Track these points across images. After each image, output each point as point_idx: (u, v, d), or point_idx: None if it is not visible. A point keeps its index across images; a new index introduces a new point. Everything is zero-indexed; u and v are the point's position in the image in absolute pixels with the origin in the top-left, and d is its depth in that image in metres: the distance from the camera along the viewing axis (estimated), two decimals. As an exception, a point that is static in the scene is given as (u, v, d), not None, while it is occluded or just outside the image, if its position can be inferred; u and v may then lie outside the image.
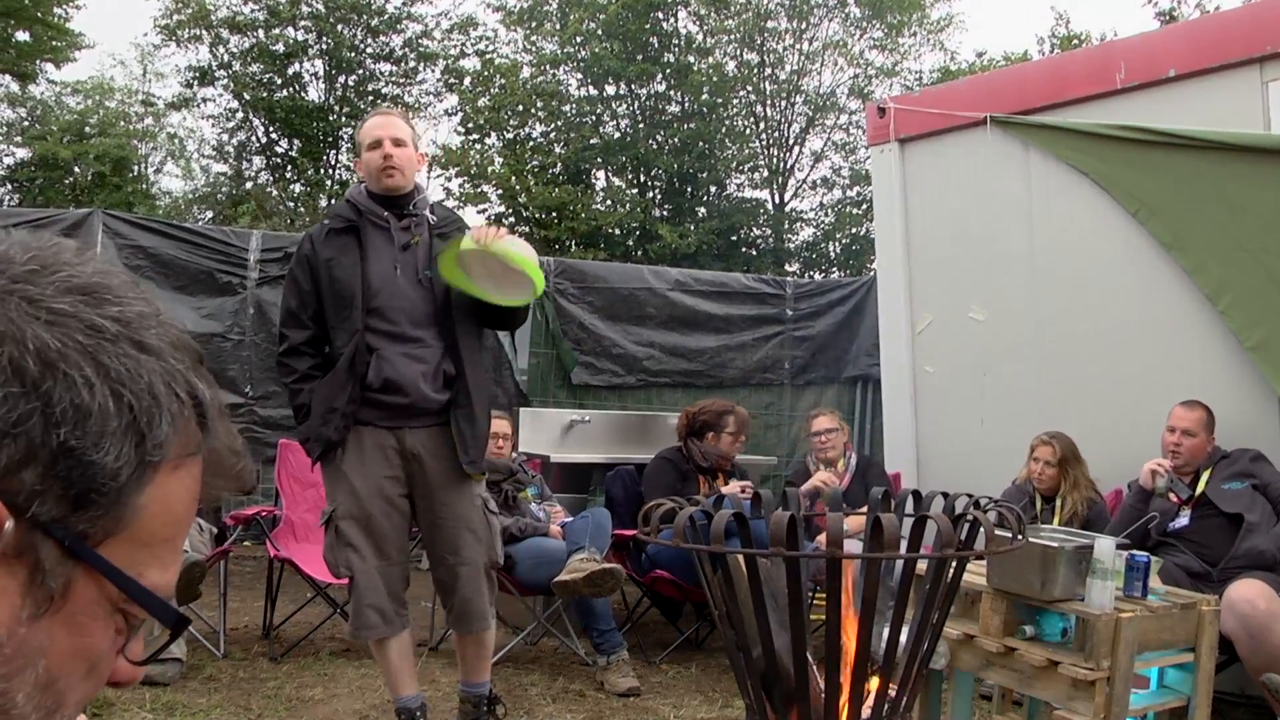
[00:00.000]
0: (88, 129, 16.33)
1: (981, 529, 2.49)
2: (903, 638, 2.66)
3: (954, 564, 2.63)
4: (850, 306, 9.46)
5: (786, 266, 17.50)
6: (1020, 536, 2.62)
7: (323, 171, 17.24)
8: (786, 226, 17.85)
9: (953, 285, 6.39)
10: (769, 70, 17.50)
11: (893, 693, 2.66)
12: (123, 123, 17.01)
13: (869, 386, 9.23)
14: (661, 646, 5.87)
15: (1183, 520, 4.96)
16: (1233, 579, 4.49)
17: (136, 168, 16.68)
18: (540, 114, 17.07)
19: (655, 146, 16.90)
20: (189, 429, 0.72)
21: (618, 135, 17.11)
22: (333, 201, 17.09)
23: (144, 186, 16.65)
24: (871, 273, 11.36)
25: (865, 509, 5.55)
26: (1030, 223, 6.01)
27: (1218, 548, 4.79)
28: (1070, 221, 5.85)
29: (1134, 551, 3.80)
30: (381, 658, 4.04)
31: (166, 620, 0.75)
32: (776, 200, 18.01)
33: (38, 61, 15.81)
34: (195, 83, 16.82)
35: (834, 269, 17.83)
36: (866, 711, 2.66)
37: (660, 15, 16.67)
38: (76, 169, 15.60)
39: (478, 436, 3.99)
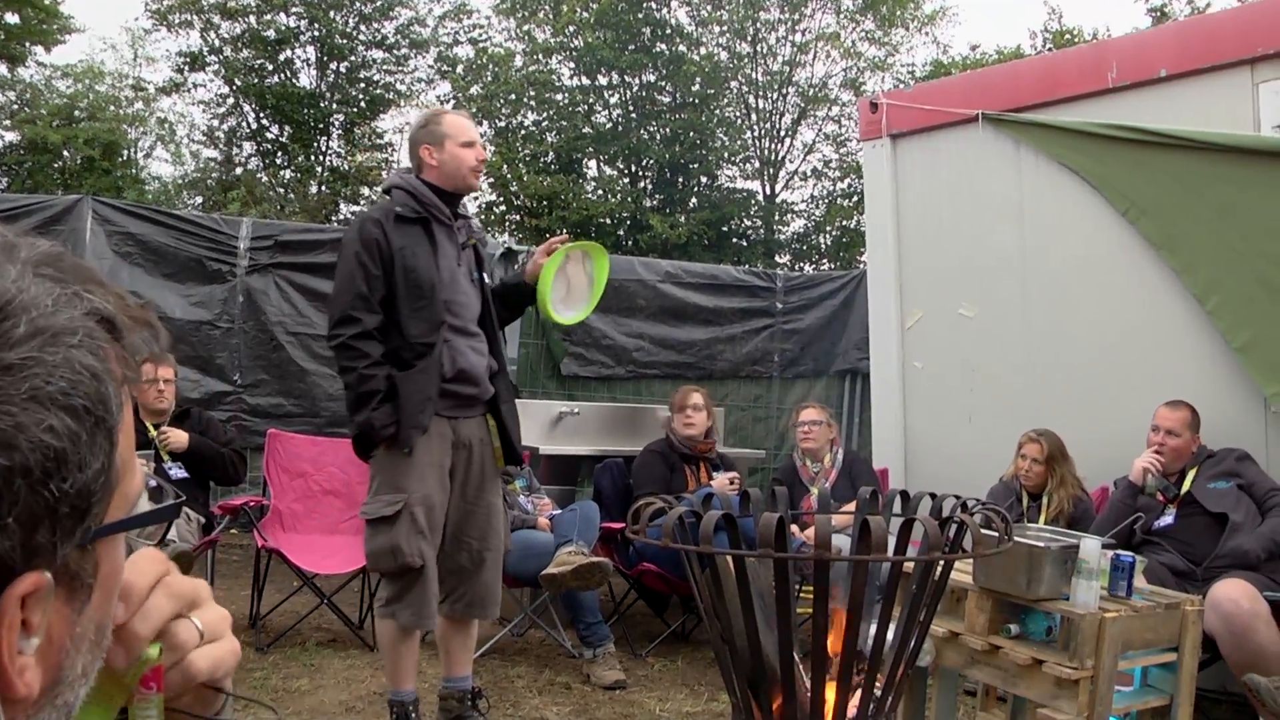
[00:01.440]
0: (77, 113, 16.25)
1: (969, 531, 2.50)
2: (889, 637, 2.67)
3: (940, 566, 2.64)
4: (840, 300, 9.46)
5: (777, 258, 17.51)
6: (1007, 539, 2.63)
7: (313, 158, 17.19)
8: (777, 218, 17.85)
9: (943, 282, 6.40)
10: (761, 61, 17.50)
11: (878, 692, 2.68)
12: (113, 107, 16.93)
13: (858, 380, 9.24)
14: (648, 639, 5.88)
15: (1167, 519, 4.98)
16: (1217, 578, 4.51)
17: (126, 152, 16.59)
18: (532, 103, 17.04)
19: (647, 137, 16.89)
20: (116, 359, 0.71)
21: (609, 125, 17.10)
22: (323, 189, 17.07)
23: (134, 171, 16.57)
24: (861, 266, 11.38)
25: (852, 505, 5.58)
26: (1021, 220, 6.03)
27: (1202, 546, 4.81)
28: (1061, 220, 5.86)
29: (1119, 551, 3.82)
30: (402, 649, 4.03)
31: (170, 516, 0.82)
32: (767, 191, 18.02)
33: (27, 44, 15.73)
34: (186, 68, 16.76)
35: (824, 261, 17.82)
36: (852, 710, 2.67)
37: (653, 5, 16.65)
38: (66, 153, 15.53)
39: (518, 428, 4.20)
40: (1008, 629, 3.74)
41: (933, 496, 2.89)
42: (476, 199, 16.71)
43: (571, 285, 4.28)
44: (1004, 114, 6.02)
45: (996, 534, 2.70)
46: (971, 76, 7.70)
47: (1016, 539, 3.49)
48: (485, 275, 4.16)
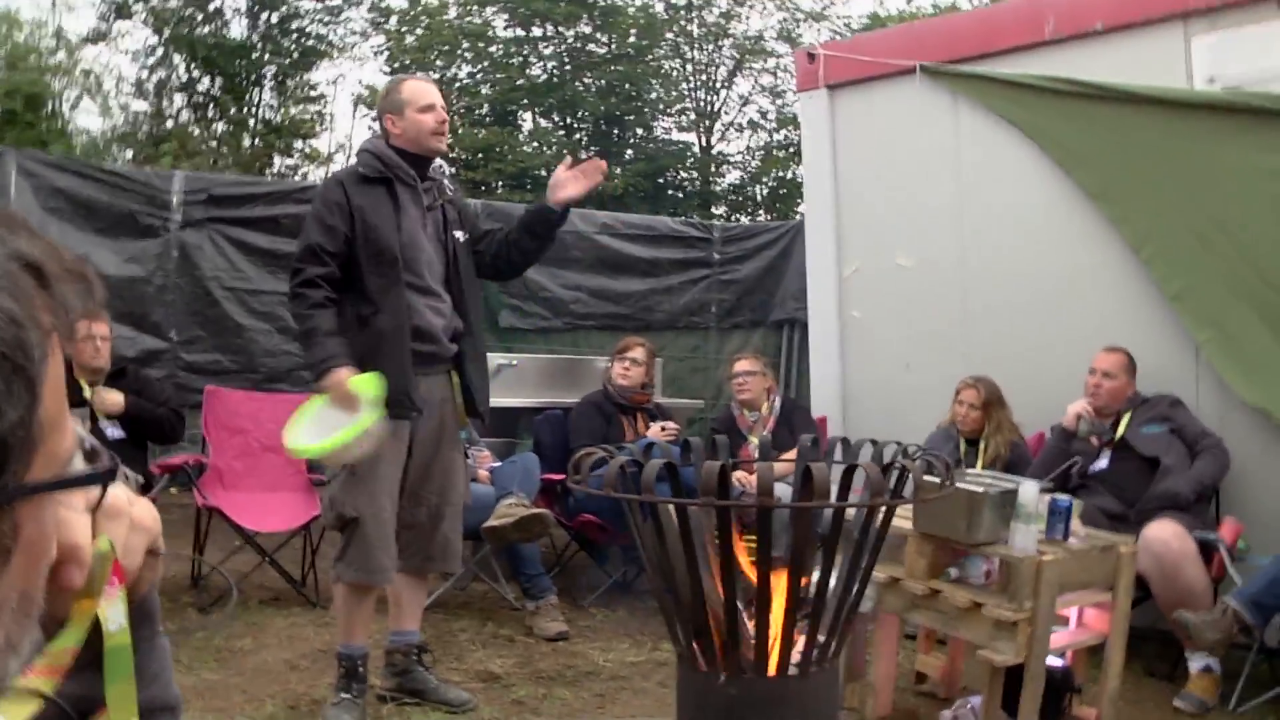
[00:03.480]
0: (-5, 63, 15.84)
1: (910, 476, 2.53)
2: (831, 583, 2.70)
3: (883, 512, 2.67)
4: (777, 251, 9.49)
5: (713, 209, 17.50)
6: (949, 484, 2.66)
7: (246, 111, 16.91)
8: (713, 170, 17.84)
9: (880, 231, 6.43)
10: (696, 14, 17.42)
11: (822, 638, 2.71)
12: (33, 57, 16.49)
13: (795, 330, 9.30)
14: (590, 590, 5.91)
15: (1102, 463, 5.07)
16: (1149, 520, 4.60)
17: (51, 104, 16.18)
18: (467, 55, 16.87)
19: (582, 89, 16.79)
20: (43, 308, 0.67)
21: (544, 77, 16.97)
22: (256, 142, 16.81)
23: (59, 125, 16.18)
24: (798, 218, 11.40)
25: (792, 453, 5.63)
26: (958, 171, 6.06)
27: (1135, 490, 4.90)
28: (997, 171, 5.90)
29: (1056, 496, 3.89)
30: (357, 604, 4.02)
31: (103, 480, 0.76)
32: (703, 143, 17.99)
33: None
34: (111, 16, 16.38)
35: (760, 212, 17.83)
36: (796, 657, 2.70)
37: (588, -45, 16.52)
38: (-14, 106, 15.13)
39: (485, 387, 4.22)
40: (947, 573, 3.80)
41: (874, 443, 2.92)
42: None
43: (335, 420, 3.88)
44: (941, 66, 6.04)
45: (938, 479, 2.73)
46: (909, 28, 7.72)
47: (956, 485, 3.54)
48: (460, 235, 4.15)
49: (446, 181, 4.23)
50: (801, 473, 2.38)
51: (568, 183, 4.11)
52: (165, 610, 4.16)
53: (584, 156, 4.35)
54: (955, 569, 3.80)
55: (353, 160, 4.15)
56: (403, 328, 3.91)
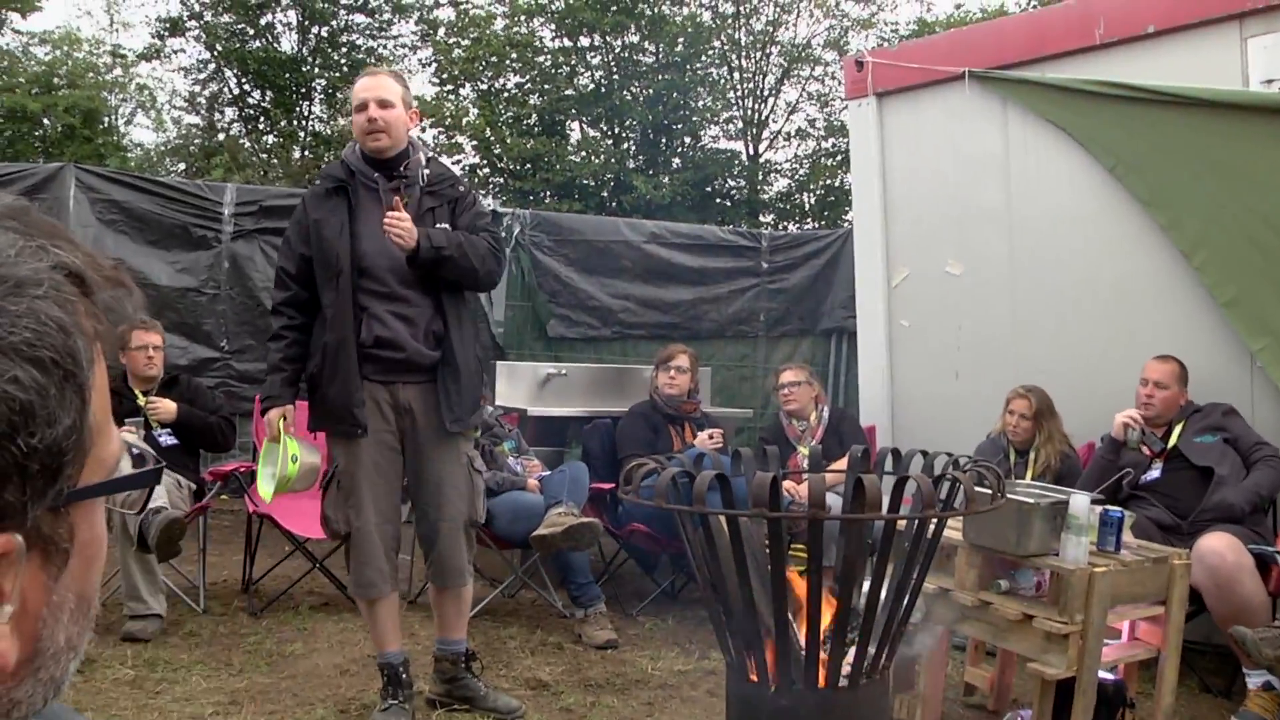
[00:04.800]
0: (56, 80, 16.10)
1: (961, 488, 2.52)
2: (882, 595, 2.69)
3: (934, 524, 2.66)
4: (825, 259, 9.47)
5: (761, 217, 17.47)
6: (1000, 496, 2.65)
7: (295, 123, 17.07)
8: (761, 178, 17.81)
9: (929, 239, 6.40)
10: (744, 21, 17.40)
11: (872, 649, 2.70)
12: (91, 74, 16.77)
13: (844, 339, 9.27)
14: (638, 598, 5.92)
15: (1154, 473, 5.01)
16: (1202, 532, 4.53)
17: (107, 119, 16.45)
18: (515, 65, 16.93)
19: (629, 98, 16.81)
20: (87, 315, 0.68)
21: (592, 87, 17.00)
22: (306, 154, 16.96)
23: (115, 138, 16.44)
24: (846, 225, 11.37)
25: (841, 463, 5.61)
26: (1007, 177, 6.02)
27: (1188, 500, 4.84)
28: (1047, 177, 5.86)
29: (1108, 507, 3.86)
30: (370, 615, 4.05)
31: (150, 481, 0.79)
32: (751, 151, 17.96)
33: (3, 11, 15.56)
34: (165, 33, 16.60)
35: (808, 220, 17.79)
36: (846, 668, 2.70)
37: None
38: (46, 121, 15.39)
39: (463, 395, 3.99)
40: (998, 584, 3.77)
41: (924, 454, 2.91)
42: (458, 161, 16.62)
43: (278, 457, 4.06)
44: (990, 71, 6.01)
45: (989, 491, 2.72)
46: (957, 34, 7.68)
47: (1007, 496, 3.52)
48: (438, 228, 3.96)
49: (424, 170, 4.05)
50: (853, 484, 2.37)
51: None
52: (217, 615, 4.26)
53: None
54: (1005, 580, 3.77)
55: None
56: (346, 341, 3.83)
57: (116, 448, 0.73)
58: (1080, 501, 3.60)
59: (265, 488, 4.08)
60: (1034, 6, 17.04)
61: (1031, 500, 3.62)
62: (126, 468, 0.76)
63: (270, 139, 17.31)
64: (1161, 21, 5.39)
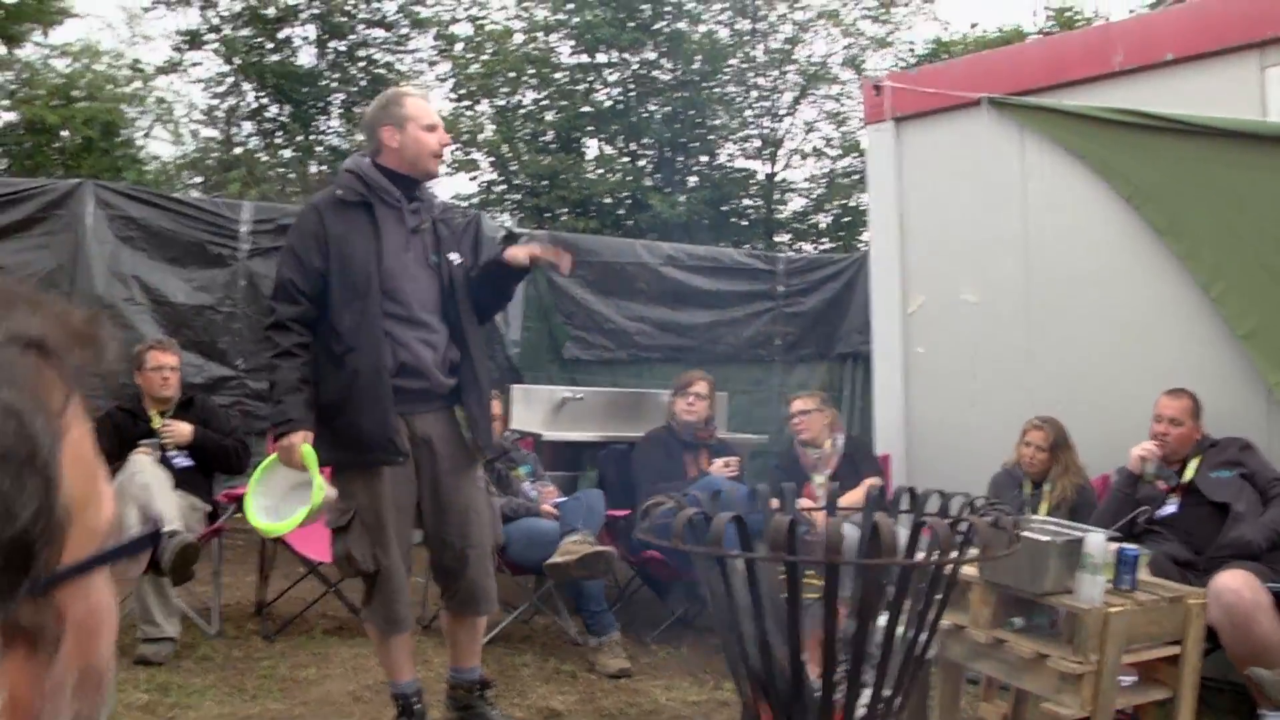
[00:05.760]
0: (75, 93, 16.15)
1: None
2: (897, 637, 2.68)
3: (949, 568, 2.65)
4: (842, 283, 9.45)
5: (776, 237, 17.46)
6: (1016, 540, 2.64)
7: (313, 137, 17.11)
8: (777, 197, 17.80)
9: (946, 266, 6.40)
10: (761, 39, 17.40)
11: (887, 691, 2.69)
12: (110, 86, 16.82)
13: (859, 363, 9.23)
14: (652, 625, 5.91)
15: (1170, 508, 4.98)
16: (1219, 568, 4.51)
17: (125, 132, 16.48)
18: (532, 81, 16.95)
19: (647, 115, 16.82)
20: (51, 384, 0.64)
21: (609, 103, 17.02)
22: (323, 168, 17.00)
23: (133, 151, 16.48)
24: (862, 248, 11.36)
25: (856, 491, 5.60)
26: (1025, 205, 6.02)
27: (1204, 536, 4.80)
28: (1064, 204, 5.85)
29: (1124, 545, 3.84)
30: (387, 646, 4.00)
31: (147, 546, 0.75)
32: (767, 170, 17.97)
33: (26, 25, 15.61)
34: (184, 46, 16.66)
35: (824, 239, 17.76)
36: (861, 710, 2.69)
37: (653, -18, 16.55)
38: (65, 133, 15.43)
39: (486, 420, 4.00)
40: (1011, 623, 3.76)
41: (942, 495, 2.90)
42: (475, 178, 16.67)
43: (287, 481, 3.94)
44: (1008, 98, 6.01)
45: (1005, 537, 2.71)
46: (975, 59, 7.67)
47: (1022, 534, 3.51)
48: (455, 257, 3.96)
49: (437, 199, 4.06)
50: (870, 528, 2.37)
51: (527, 253, 3.92)
52: (230, 636, 4.24)
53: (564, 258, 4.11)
54: (1020, 618, 3.75)
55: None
56: (380, 367, 3.74)
57: (110, 512, 0.69)
58: (1096, 540, 3.58)
59: (265, 519, 3.90)
60: (1050, 25, 17.05)
61: (1047, 538, 3.60)
62: (134, 521, 0.74)
63: (287, 153, 17.35)
64: (1180, 50, 5.39)
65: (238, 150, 17.15)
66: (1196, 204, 5.32)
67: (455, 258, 3.96)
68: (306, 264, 3.77)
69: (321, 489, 3.69)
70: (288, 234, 3.95)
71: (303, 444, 3.72)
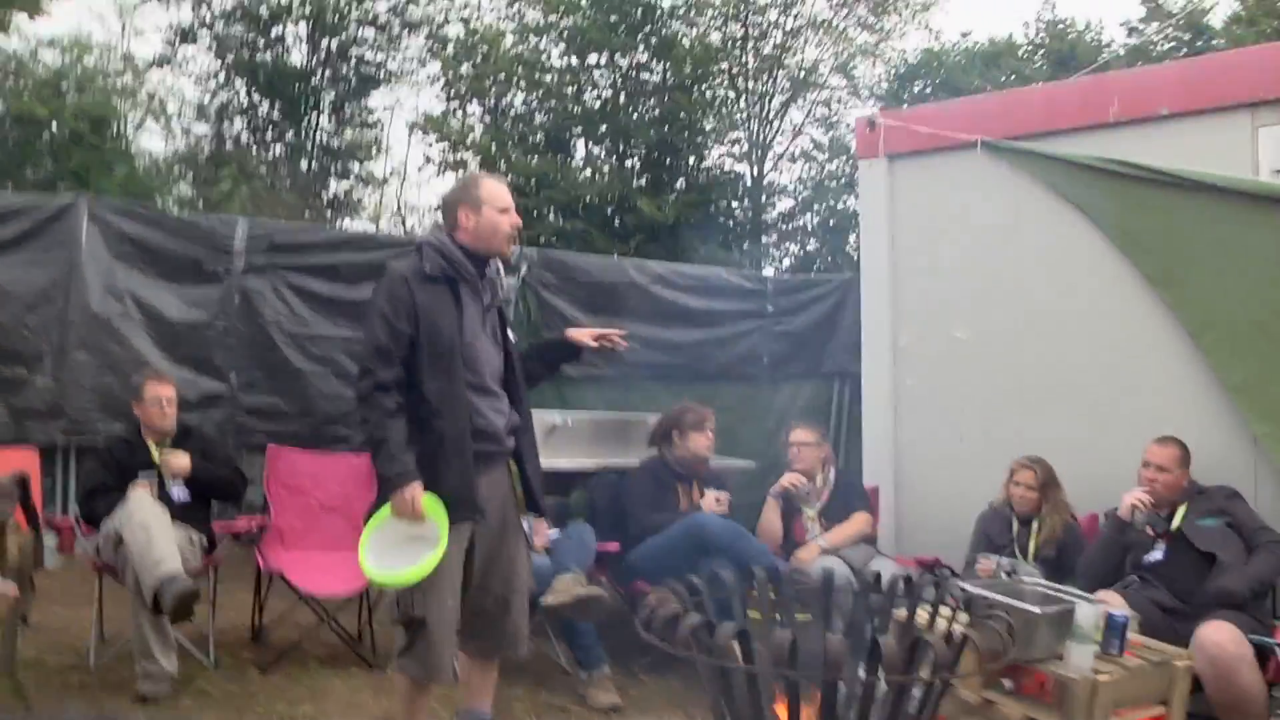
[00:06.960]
0: (65, 85, 16.06)
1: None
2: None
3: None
4: (830, 303, 9.50)
5: (763, 239, 17.50)
6: (1012, 646, 2.71)
7: (303, 135, 17.09)
8: (765, 199, 17.82)
9: (937, 302, 6.48)
10: (752, 44, 17.40)
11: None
12: (101, 79, 16.74)
13: (846, 382, 9.30)
14: (642, 652, 5.94)
15: (1157, 554, 5.06)
16: (1204, 614, 4.59)
17: (115, 126, 16.39)
18: (522, 83, 16.94)
19: (636, 117, 16.82)
20: None
21: (598, 105, 17.02)
22: (314, 165, 17.00)
23: (123, 146, 16.39)
24: (852, 264, 11.39)
25: (846, 526, 5.65)
26: (1017, 248, 6.10)
27: (1190, 583, 4.87)
28: (1056, 249, 5.95)
29: (1112, 611, 3.92)
30: (417, 696, 4.10)
31: None
32: (755, 173, 17.99)
33: (10, 13, 15.47)
34: (177, 41, 16.63)
35: (810, 239, 17.79)
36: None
37: (644, -15, 16.53)
38: (54, 126, 15.34)
39: (539, 481, 4.31)
40: (1002, 684, 3.84)
41: (937, 585, 2.97)
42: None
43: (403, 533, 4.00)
44: (1003, 142, 6.08)
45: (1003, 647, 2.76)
46: (972, 102, 7.75)
47: (1012, 602, 3.59)
48: (513, 336, 4.29)
49: (501, 280, 4.27)
50: (871, 644, 2.43)
51: (586, 338, 4.56)
52: (227, 667, 4.27)
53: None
54: (1009, 680, 3.83)
55: (421, 233, 4.18)
56: (464, 431, 3.95)
57: None
58: (1087, 611, 3.67)
59: (372, 561, 3.94)
60: (1041, 38, 17.15)
61: (1038, 610, 3.68)
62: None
63: (277, 149, 17.33)
64: (1175, 105, 5.48)
65: (229, 146, 17.11)
66: (1187, 256, 5.41)
67: (513, 336, 4.30)
68: (398, 330, 3.95)
69: (447, 533, 3.85)
70: (373, 298, 4.09)
71: (421, 495, 3.89)
